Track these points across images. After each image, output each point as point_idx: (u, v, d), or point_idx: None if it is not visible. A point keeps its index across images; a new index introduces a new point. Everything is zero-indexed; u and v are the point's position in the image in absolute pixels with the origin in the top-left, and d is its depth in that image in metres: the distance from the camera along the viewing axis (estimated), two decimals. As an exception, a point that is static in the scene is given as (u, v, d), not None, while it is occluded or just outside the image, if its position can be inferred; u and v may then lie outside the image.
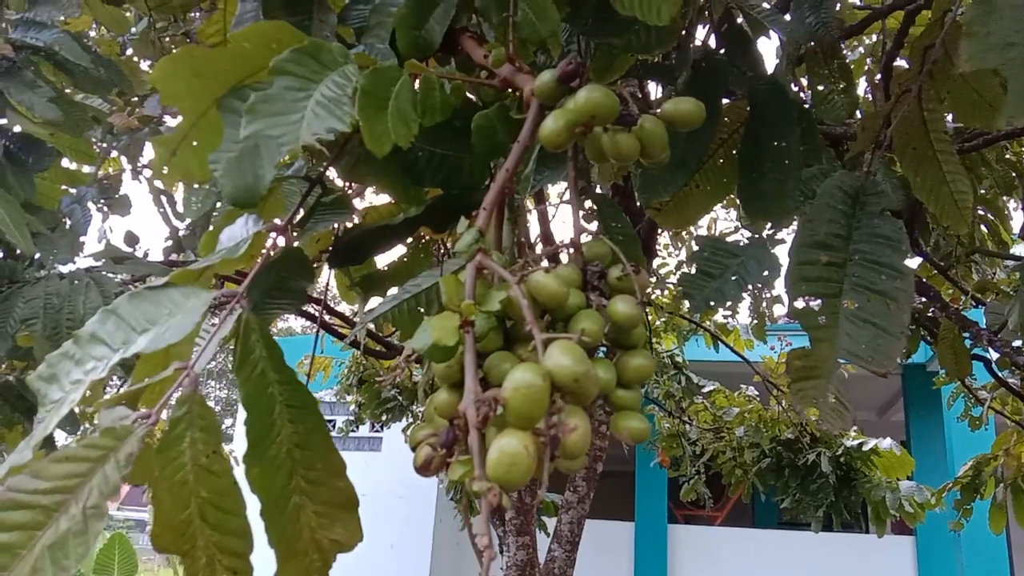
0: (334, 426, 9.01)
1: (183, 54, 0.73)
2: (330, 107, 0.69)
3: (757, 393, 6.00)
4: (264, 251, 0.77)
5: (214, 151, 0.75)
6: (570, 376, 0.50)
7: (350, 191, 1.34)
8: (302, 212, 0.82)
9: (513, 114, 0.77)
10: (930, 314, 2.78)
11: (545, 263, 0.70)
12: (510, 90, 0.79)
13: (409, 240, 1.27)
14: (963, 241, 3.12)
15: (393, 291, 1.19)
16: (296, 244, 0.88)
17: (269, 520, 0.73)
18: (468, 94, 0.87)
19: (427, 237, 1.18)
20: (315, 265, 1.06)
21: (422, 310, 0.99)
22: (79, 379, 0.72)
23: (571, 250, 0.71)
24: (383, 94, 0.72)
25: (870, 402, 10.90)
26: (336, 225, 1.00)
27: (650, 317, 5.54)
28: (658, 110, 0.71)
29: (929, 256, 3.03)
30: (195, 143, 0.79)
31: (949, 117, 2.52)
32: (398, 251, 1.27)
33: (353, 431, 7.09)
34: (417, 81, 0.75)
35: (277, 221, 0.83)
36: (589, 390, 0.52)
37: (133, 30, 2.79)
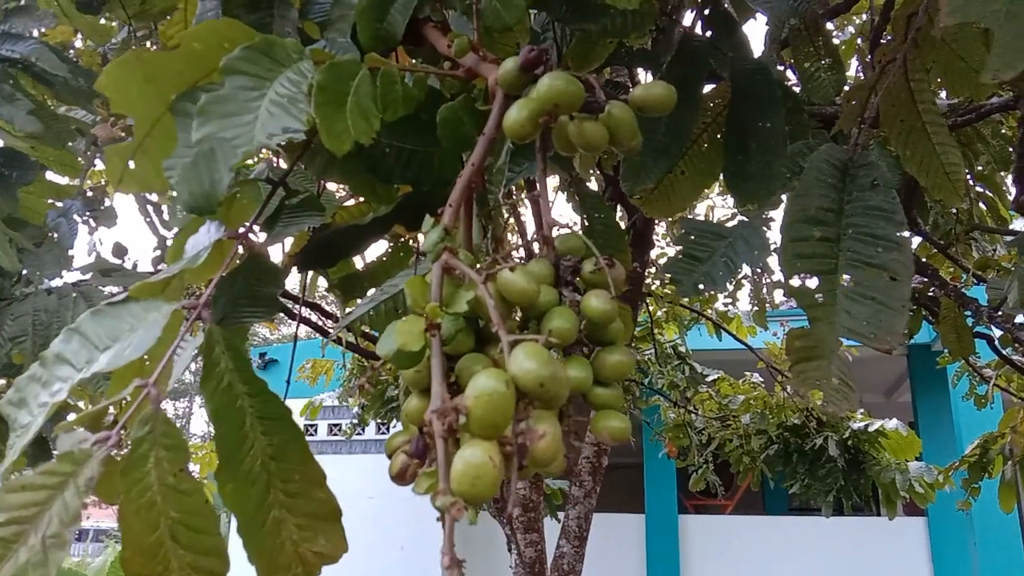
0: (339, 429, 9.00)
1: (132, 58, 0.70)
2: (285, 106, 0.66)
3: (762, 380, 5.97)
4: (227, 259, 0.74)
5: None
6: (535, 380, 0.47)
7: (339, 192, 1.31)
8: (266, 216, 0.79)
9: (479, 105, 0.73)
10: (931, 293, 2.75)
11: (516, 259, 0.67)
12: (475, 81, 0.76)
13: (388, 239, 1.24)
14: (962, 219, 3.08)
15: (372, 292, 1.16)
16: (263, 250, 0.85)
17: (247, 536, 0.71)
18: (435, 86, 0.84)
19: (405, 236, 1.15)
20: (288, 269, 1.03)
21: (400, 311, 0.96)
22: (45, 402, 0.70)
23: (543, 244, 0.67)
24: (341, 89, 0.69)
25: (877, 383, 10.86)
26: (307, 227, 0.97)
27: (651, 307, 5.51)
28: (627, 96, 0.67)
29: (928, 235, 2.99)
30: (151, 151, 0.76)
31: (943, 94, 2.49)
32: (379, 250, 1.25)
33: (359, 434, 7.07)
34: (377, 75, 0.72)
35: (243, 228, 0.80)
36: (557, 394, 0.49)
37: (114, 40, 2.76)
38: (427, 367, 0.58)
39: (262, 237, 0.83)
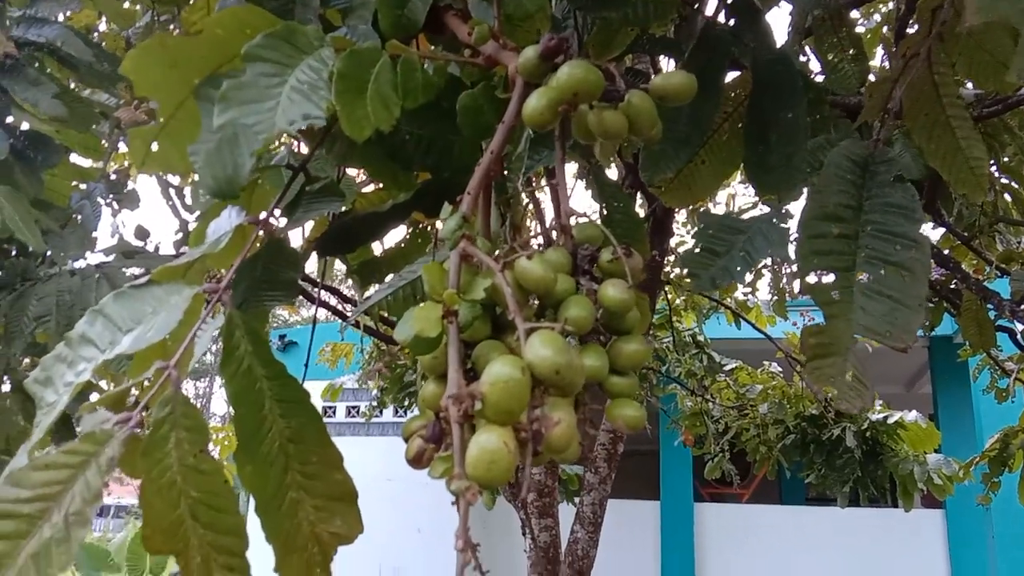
0: (358, 411, 9.07)
1: (156, 43, 0.71)
2: (306, 92, 0.67)
3: (780, 369, 5.94)
4: (248, 244, 0.75)
5: (193, 142, 0.73)
6: (550, 368, 0.48)
7: (359, 177, 1.32)
8: (286, 202, 0.80)
9: (499, 93, 0.74)
10: (952, 286, 2.72)
11: (535, 246, 0.67)
12: (495, 68, 0.76)
13: (406, 225, 1.25)
14: (986, 210, 3.04)
15: (391, 278, 1.17)
16: (283, 235, 0.86)
17: (265, 516, 0.72)
18: (455, 74, 0.84)
19: (424, 222, 1.15)
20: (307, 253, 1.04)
21: (418, 297, 0.97)
22: (71, 381, 0.71)
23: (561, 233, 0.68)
24: (362, 77, 0.69)
25: (898, 375, 10.78)
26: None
27: (670, 295, 5.49)
28: (648, 84, 0.67)
29: (952, 227, 2.96)
30: (173, 134, 0.77)
31: (969, 84, 2.46)
32: (398, 236, 1.25)
33: (377, 416, 7.11)
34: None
35: (264, 213, 0.81)
36: (573, 381, 0.49)
37: (139, 24, 2.78)
38: (444, 353, 0.59)
39: (283, 222, 0.83)
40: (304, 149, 0.99)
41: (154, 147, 0.81)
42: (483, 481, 0.46)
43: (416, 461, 0.62)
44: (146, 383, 0.71)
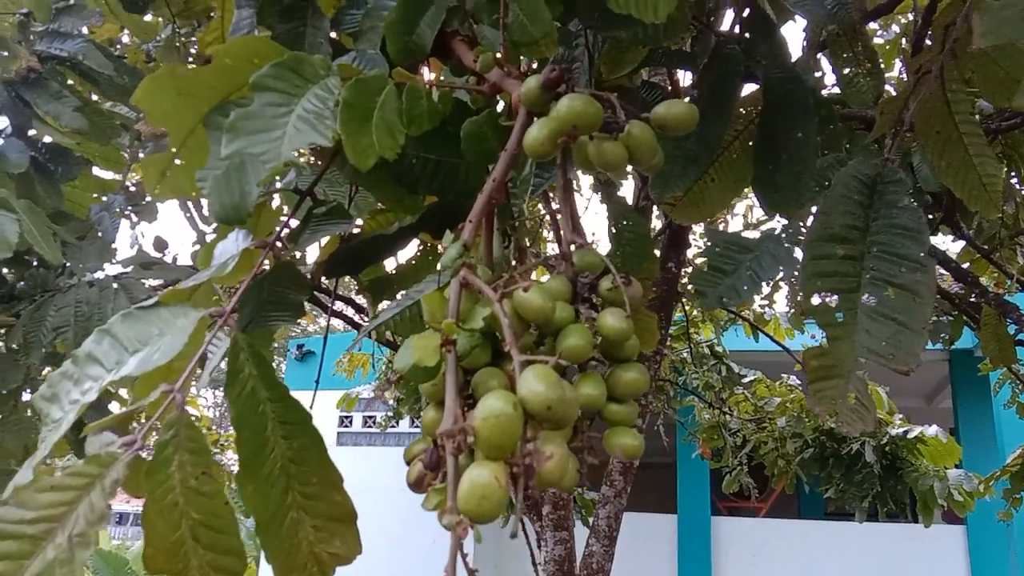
0: (374, 421, 9.09)
1: (166, 73, 0.72)
2: (312, 122, 0.68)
3: (799, 382, 5.89)
4: (254, 268, 0.76)
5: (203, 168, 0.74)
6: (542, 404, 0.48)
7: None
8: (294, 225, 0.81)
9: (503, 121, 0.74)
10: (972, 300, 2.70)
11: (551, 260, 0.68)
12: (500, 95, 0.76)
13: (418, 241, 1.26)
14: (1007, 223, 3.01)
15: (400, 296, 1.18)
16: (289, 257, 0.87)
17: (265, 536, 0.73)
18: (462, 99, 0.85)
19: (434, 242, 1.16)
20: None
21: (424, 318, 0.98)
22: (76, 399, 0.72)
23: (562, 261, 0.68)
24: (367, 105, 0.70)
25: (918, 389, 10.66)
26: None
27: (687, 307, 5.47)
28: (649, 115, 0.68)
29: (972, 240, 2.93)
30: (185, 161, 0.78)
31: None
32: (409, 253, 1.26)
33: (393, 426, 7.13)
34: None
35: (272, 237, 0.82)
36: (565, 416, 0.50)
37: (159, 37, 2.82)
38: (443, 381, 0.59)
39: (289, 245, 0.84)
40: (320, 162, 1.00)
41: (167, 175, 0.82)
42: (474, 516, 0.46)
43: (417, 486, 0.63)
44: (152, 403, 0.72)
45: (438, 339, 0.59)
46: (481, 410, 0.47)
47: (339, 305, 4.39)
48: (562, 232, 0.67)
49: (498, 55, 0.77)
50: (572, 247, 0.67)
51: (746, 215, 5.82)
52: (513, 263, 0.82)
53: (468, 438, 0.48)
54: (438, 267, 0.65)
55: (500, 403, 0.47)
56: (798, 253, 1.02)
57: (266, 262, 0.75)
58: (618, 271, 0.66)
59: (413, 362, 0.58)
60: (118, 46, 3.22)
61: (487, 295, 0.59)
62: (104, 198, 2.53)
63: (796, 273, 1.00)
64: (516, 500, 0.48)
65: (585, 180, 5.11)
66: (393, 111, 0.71)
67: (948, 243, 4.37)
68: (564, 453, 0.50)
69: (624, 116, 0.65)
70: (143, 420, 0.73)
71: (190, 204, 2.60)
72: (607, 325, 0.62)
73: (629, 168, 0.68)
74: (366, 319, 3.96)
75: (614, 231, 1.06)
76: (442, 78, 0.90)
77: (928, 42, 1.85)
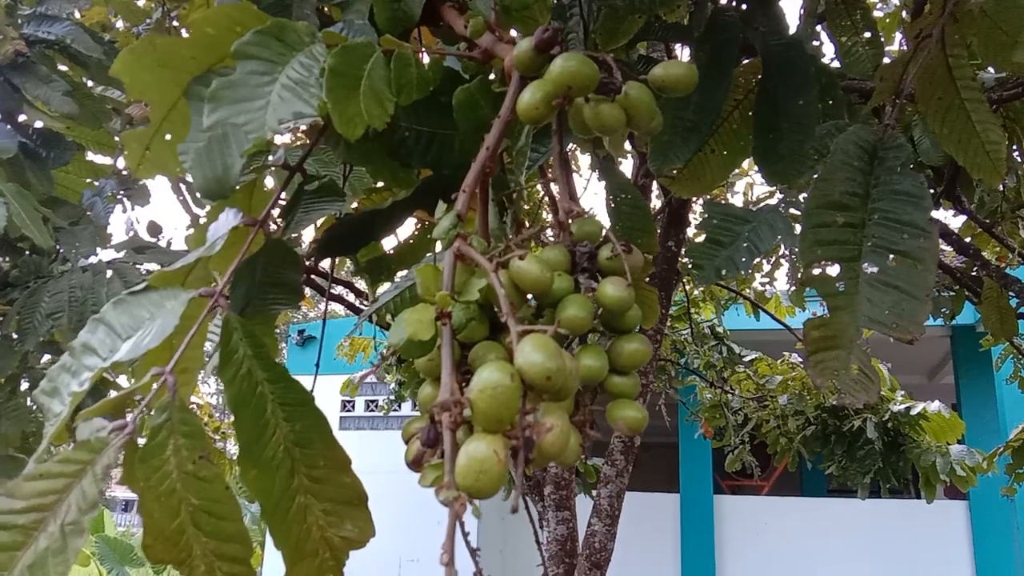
0: (376, 405, 9.10)
1: (145, 44, 0.70)
2: (297, 90, 0.66)
3: (800, 360, 5.88)
4: (244, 246, 0.74)
5: (186, 142, 0.72)
6: (541, 374, 0.46)
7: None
8: (283, 203, 0.78)
9: (495, 87, 0.72)
10: (973, 273, 2.67)
11: (549, 237, 0.66)
12: (493, 61, 0.74)
13: (416, 221, 1.23)
14: (1008, 196, 2.99)
15: (399, 277, 1.16)
16: (285, 236, 0.84)
17: (272, 522, 0.71)
18: (455, 69, 0.82)
19: (431, 220, 1.14)
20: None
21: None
22: (75, 391, 0.71)
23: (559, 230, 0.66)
24: (354, 73, 0.68)
25: (920, 365, 10.66)
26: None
27: (688, 287, 5.45)
28: (646, 76, 0.65)
29: (973, 214, 2.90)
30: (168, 136, 0.76)
31: (991, 68, 2.40)
32: (407, 232, 1.24)
33: (395, 410, 7.12)
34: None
35: (265, 214, 0.80)
36: (565, 386, 0.48)
37: (149, 20, 2.78)
38: (439, 355, 0.58)
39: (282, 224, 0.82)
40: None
41: (149, 150, 0.80)
42: (472, 491, 0.44)
43: (415, 464, 0.61)
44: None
45: (433, 312, 0.57)
46: (477, 382, 0.45)
47: (339, 290, 4.37)
48: (559, 201, 0.65)
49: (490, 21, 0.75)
50: (570, 217, 0.65)
51: (746, 193, 5.78)
52: (510, 236, 0.80)
53: (465, 411, 0.46)
54: (434, 236, 0.63)
55: (497, 374, 0.45)
56: (797, 225, 1.00)
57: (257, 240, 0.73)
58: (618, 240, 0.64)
59: (408, 336, 0.56)
60: (111, 31, 3.18)
61: (482, 265, 0.57)
62: (97, 183, 2.50)
63: (796, 244, 0.97)
64: (516, 475, 0.46)
65: (584, 160, 5.08)
66: (381, 79, 0.69)
67: (949, 218, 4.34)
68: (565, 425, 0.48)
69: (621, 78, 0.62)
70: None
71: (183, 187, 2.57)
72: (607, 294, 0.60)
73: (628, 148, 0.66)
74: (367, 304, 3.94)
75: (613, 204, 1.04)
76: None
77: (928, 7, 1.82)
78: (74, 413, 0.66)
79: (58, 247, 2.12)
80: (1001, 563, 7.94)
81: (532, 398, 0.48)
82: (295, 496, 0.72)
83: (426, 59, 0.76)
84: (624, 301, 0.60)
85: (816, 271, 0.82)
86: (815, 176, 0.84)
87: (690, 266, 0.89)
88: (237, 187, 0.73)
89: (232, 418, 0.72)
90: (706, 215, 0.93)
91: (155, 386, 0.67)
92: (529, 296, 0.63)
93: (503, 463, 0.45)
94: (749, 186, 5.94)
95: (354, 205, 1.19)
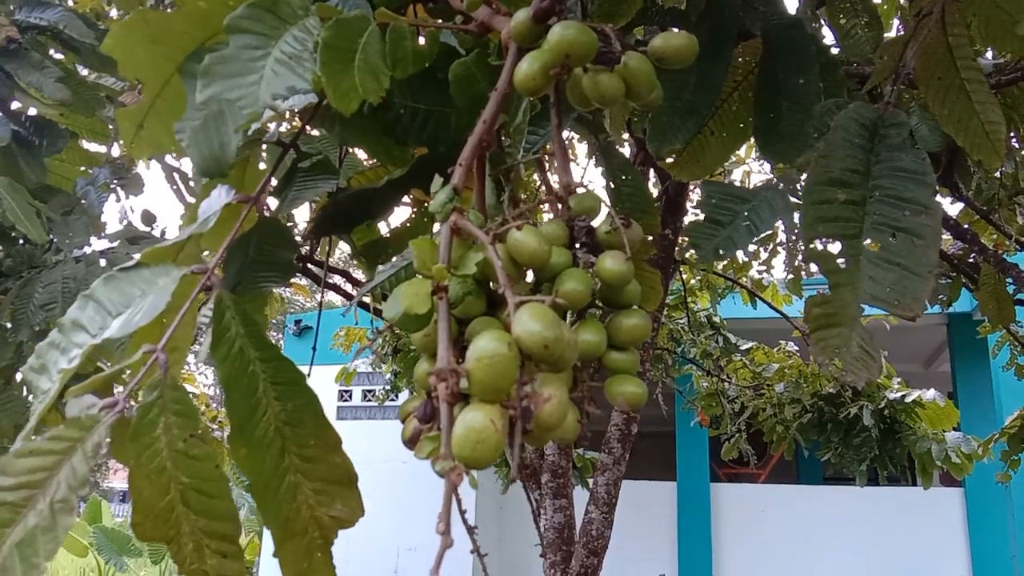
0: (373, 395, 9.10)
1: (137, 19, 0.69)
2: (291, 65, 0.65)
3: (797, 348, 5.89)
4: (237, 223, 0.73)
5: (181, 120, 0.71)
6: (539, 342, 0.45)
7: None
8: (276, 180, 0.77)
9: (492, 60, 0.71)
10: (970, 260, 2.67)
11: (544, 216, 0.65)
12: (490, 36, 0.73)
13: (412, 204, 1.22)
14: (1005, 183, 2.98)
15: (396, 259, 1.15)
16: (278, 214, 0.83)
17: (261, 501, 0.71)
18: (452, 45, 0.81)
19: (430, 200, 1.13)
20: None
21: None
22: (64, 368, 0.70)
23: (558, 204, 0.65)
24: (348, 47, 0.66)
25: (916, 353, 10.67)
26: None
27: (684, 275, 5.45)
28: (647, 47, 0.64)
29: (970, 201, 2.90)
30: (162, 113, 0.75)
31: (989, 54, 2.39)
32: (404, 215, 1.23)
33: (392, 399, 7.13)
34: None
35: (258, 191, 0.79)
36: (563, 356, 0.47)
37: (142, 7, 2.76)
38: (436, 331, 0.57)
39: (275, 202, 0.81)
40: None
41: (143, 128, 0.79)
42: (469, 461, 0.44)
43: (412, 442, 0.60)
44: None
45: (429, 286, 0.56)
46: (474, 351, 0.45)
47: (336, 279, 4.36)
48: (558, 175, 0.64)
49: (486, -5, 0.74)
50: (568, 191, 0.64)
51: (743, 181, 5.78)
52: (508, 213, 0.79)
53: (461, 382, 0.45)
54: (430, 210, 0.62)
55: (494, 343, 0.44)
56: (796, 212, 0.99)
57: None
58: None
59: (403, 309, 0.55)
60: (107, 19, 3.16)
61: (479, 238, 0.56)
62: (91, 171, 2.48)
63: (796, 228, 0.96)
64: (514, 446, 0.45)
65: (581, 148, 5.06)
66: (376, 53, 0.68)
67: (947, 206, 4.34)
68: (563, 396, 0.47)
69: (620, 48, 0.61)
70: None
71: (176, 176, 2.56)
72: (606, 268, 0.59)
73: (625, 136, 0.65)
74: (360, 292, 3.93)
75: (612, 186, 1.03)
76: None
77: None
78: (63, 391, 0.65)
79: (51, 237, 2.10)
80: (996, 549, 7.98)
81: (530, 368, 0.47)
82: (285, 475, 0.71)
83: (422, 40, 0.75)
84: (623, 275, 0.59)
85: (818, 247, 0.81)
86: (817, 153, 0.83)
87: (689, 244, 0.89)
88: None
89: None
90: (705, 194, 0.92)
91: (146, 364, 0.66)
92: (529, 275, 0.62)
93: (500, 433, 0.44)
94: (746, 174, 5.93)
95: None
